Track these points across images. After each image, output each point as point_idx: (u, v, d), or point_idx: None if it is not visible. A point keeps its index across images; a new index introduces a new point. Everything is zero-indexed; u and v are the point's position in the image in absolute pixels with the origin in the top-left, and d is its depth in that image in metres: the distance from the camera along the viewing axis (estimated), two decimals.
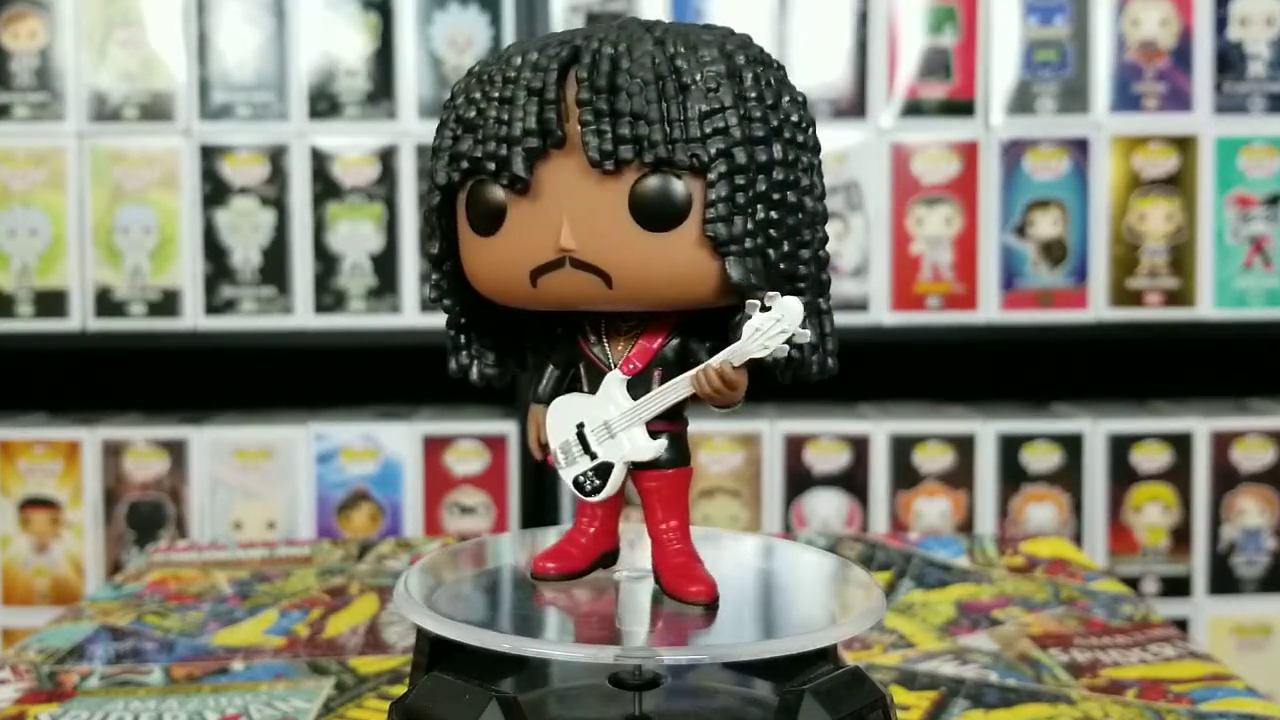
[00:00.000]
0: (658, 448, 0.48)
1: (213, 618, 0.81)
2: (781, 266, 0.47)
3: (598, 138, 0.45)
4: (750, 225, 0.46)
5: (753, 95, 0.46)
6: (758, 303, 0.45)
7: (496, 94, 0.47)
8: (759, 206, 0.46)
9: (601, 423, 0.49)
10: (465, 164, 0.47)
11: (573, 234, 0.46)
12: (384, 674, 0.72)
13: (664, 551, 0.49)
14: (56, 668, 0.72)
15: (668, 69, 0.45)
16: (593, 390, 0.49)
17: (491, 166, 0.47)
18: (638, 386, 0.48)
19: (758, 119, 0.46)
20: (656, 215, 0.45)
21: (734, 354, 0.45)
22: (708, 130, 0.45)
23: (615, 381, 0.49)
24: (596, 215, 0.46)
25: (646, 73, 0.45)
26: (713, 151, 0.45)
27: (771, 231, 0.46)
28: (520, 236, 0.47)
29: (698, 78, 0.45)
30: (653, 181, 0.45)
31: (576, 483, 0.49)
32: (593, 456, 0.49)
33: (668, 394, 0.47)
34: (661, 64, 0.45)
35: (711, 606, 0.48)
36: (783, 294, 0.45)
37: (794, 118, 0.47)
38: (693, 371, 0.47)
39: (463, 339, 0.52)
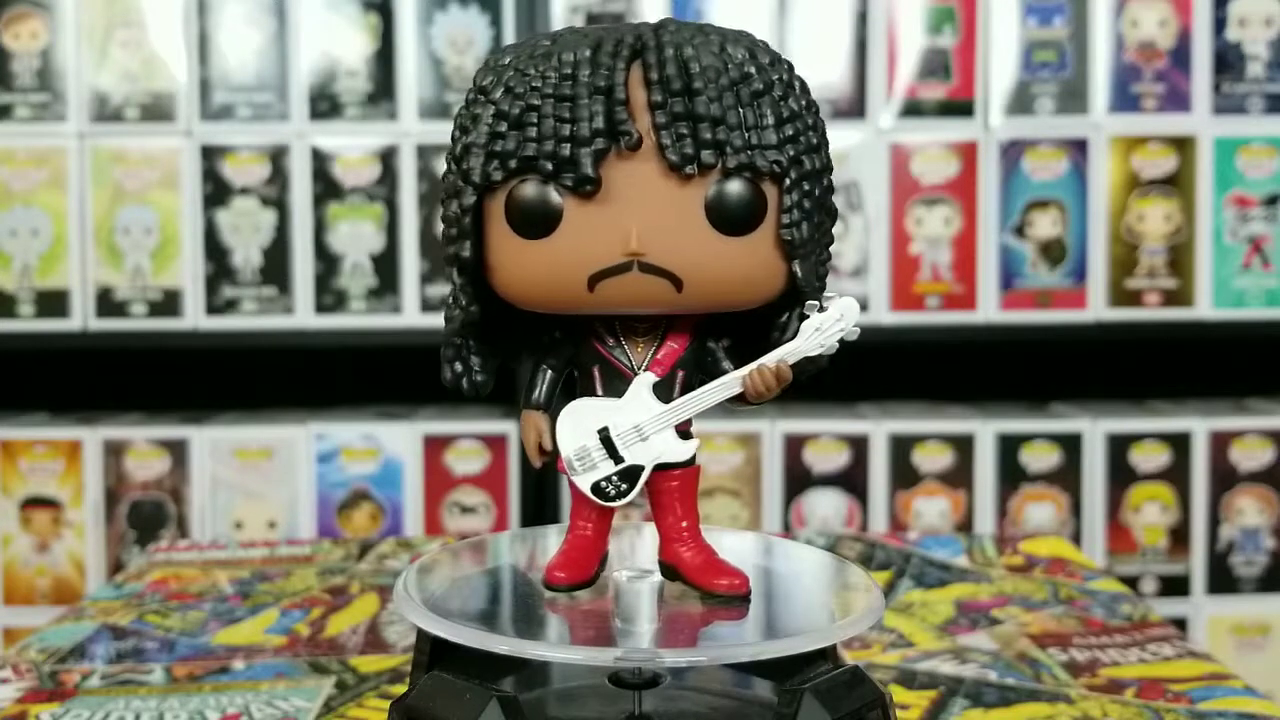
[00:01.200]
0: (692, 447, 0.49)
1: (214, 617, 0.81)
2: (824, 267, 0.49)
3: (679, 141, 0.45)
4: (814, 229, 0.47)
5: (804, 102, 0.47)
6: (817, 303, 0.47)
7: (551, 90, 0.45)
8: (819, 211, 0.47)
9: (631, 426, 0.48)
10: (514, 163, 0.45)
11: (642, 237, 0.45)
12: (384, 673, 0.72)
13: (685, 548, 0.50)
14: (58, 667, 0.72)
15: (739, 74, 0.45)
16: (611, 394, 0.49)
17: (549, 167, 0.45)
18: (662, 388, 0.49)
19: (813, 126, 0.47)
20: (734, 220, 0.46)
21: (790, 352, 0.47)
22: (784, 136, 0.46)
23: (647, 384, 0.48)
24: (668, 218, 0.45)
25: (721, 76, 0.45)
26: (789, 157, 0.46)
27: (820, 235, 0.48)
28: (578, 240, 0.46)
29: (772, 82, 0.46)
30: (734, 186, 0.45)
31: (597, 488, 0.48)
32: (617, 460, 0.48)
33: (714, 394, 0.48)
34: (733, 68, 0.45)
35: (745, 599, 0.49)
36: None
37: (822, 124, 0.49)
38: (743, 370, 0.47)
39: (468, 347, 0.50)
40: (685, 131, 0.45)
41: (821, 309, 0.47)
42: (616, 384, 0.49)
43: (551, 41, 0.47)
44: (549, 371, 0.51)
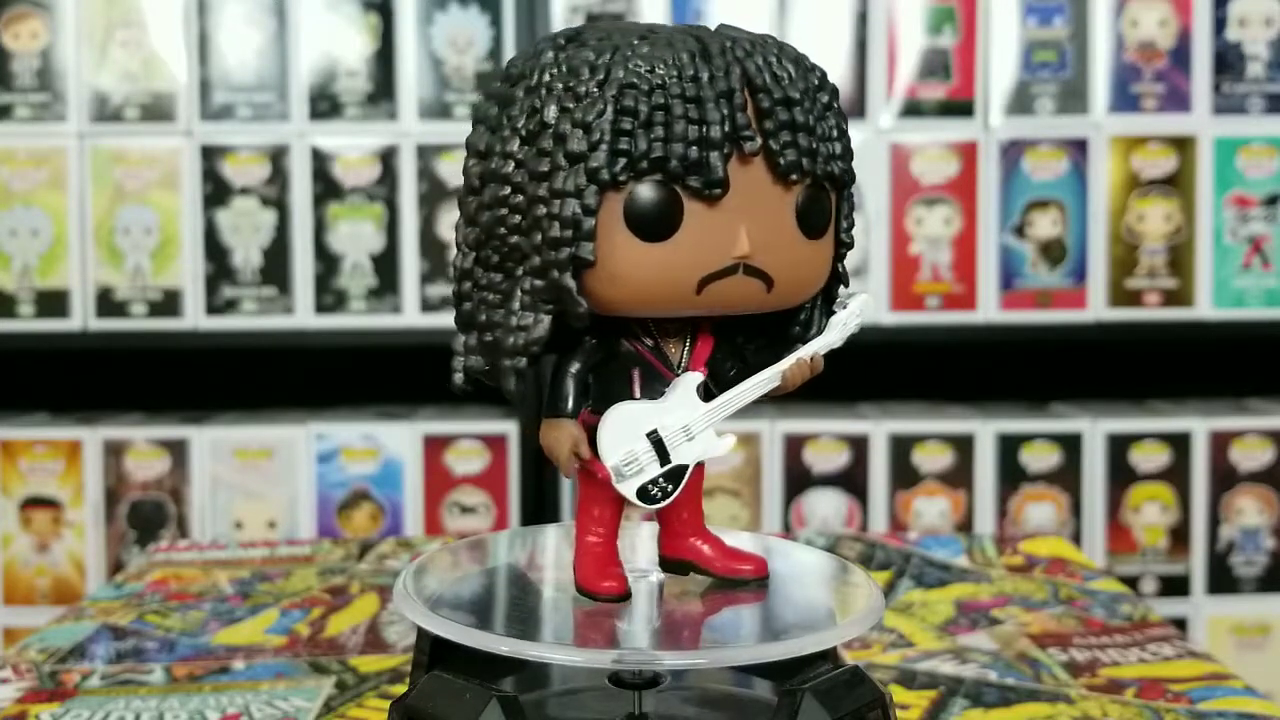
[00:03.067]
0: (731, 441, 0.49)
1: (214, 617, 0.81)
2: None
3: (786, 149, 0.46)
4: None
5: (844, 111, 0.50)
6: (843, 299, 0.50)
7: (679, 91, 0.45)
8: (853, 214, 0.51)
9: (680, 426, 0.48)
10: (645, 164, 0.44)
11: (749, 241, 0.46)
12: (384, 673, 0.72)
13: (701, 540, 0.51)
14: (58, 667, 0.72)
15: (815, 84, 0.48)
16: (649, 395, 0.48)
17: (679, 168, 0.45)
18: (701, 387, 0.49)
19: (849, 134, 0.50)
20: (817, 224, 0.48)
21: (824, 345, 0.50)
22: (845, 146, 0.48)
23: (693, 383, 0.48)
24: (769, 222, 0.46)
25: (806, 86, 0.47)
26: (849, 165, 0.49)
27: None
28: (695, 242, 0.45)
29: (834, 92, 0.48)
30: (819, 193, 0.47)
31: (644, 492, 0.48)
32: (664, 462, 0.48)
33: (756, 389, 0.49)
34: (810, 79, 0.48)
35: (763, 583, 0.51)
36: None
37: None
38: (783, 365, 0.49)
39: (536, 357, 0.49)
40: (789, 139, 0.46)
41: (844, 305, 0.50)
42: (655, 385, 0.48)
43: (639, 38, 0.46)
44: (577, 377, 0.49)
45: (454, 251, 0.49)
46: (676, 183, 0.45)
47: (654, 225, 0.45)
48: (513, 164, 0.46)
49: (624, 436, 0.47)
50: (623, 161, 0.44)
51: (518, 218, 0.46)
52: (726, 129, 0.45)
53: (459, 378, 0.48)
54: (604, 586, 0.48)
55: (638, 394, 0.48)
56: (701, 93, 0.45)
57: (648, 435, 0.48)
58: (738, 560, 0.51)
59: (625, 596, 0.48)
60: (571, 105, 0.45)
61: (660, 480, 0.48)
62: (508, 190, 0.46)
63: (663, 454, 0.48)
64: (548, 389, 0.49)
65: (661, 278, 0.46)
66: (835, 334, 0.50)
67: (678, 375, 0.48)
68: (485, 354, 0.47)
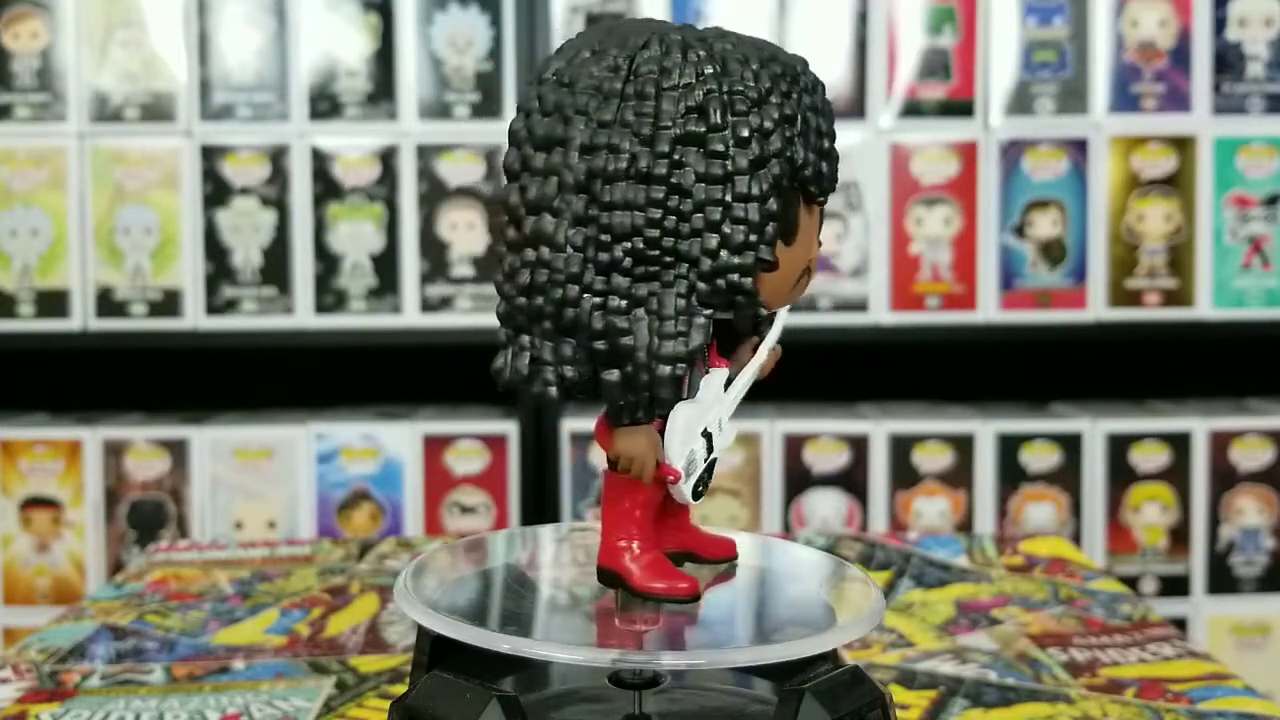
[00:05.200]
0: (734, 431, 0.50)
1: (214, 617, 0.81)
2: None
3: (835, 167, 0.49)
4: None
5: None
6: None
7: (810, 103, 0.47)
8: None
9: (718, 421, 0.49)
10: (808, 171, 0.46)
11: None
12: (385, 673, 0.72)
13: (691, 534, 0.52)
14: (58, 667, 0.72)
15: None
16: (693, 393, 0.48)
17: (812, 175, 0.47)
18: None
19: None
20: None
21: (778, 334, 0.51)
22: None
23: (721, 379, 0.49)
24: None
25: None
26: None
27: None
28: (803, 245, 0.48)
29: None
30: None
31: (695, 490, 0.49)
32: (706, 457, 0.49)
33: (748, 378, 0.50)
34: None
35: (733, 562, 0.53)
36: None
37: None
38: (762, 355, 0.50)
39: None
40: (835, 158, 0.49)
41: None
42: (695, 383, 0.48)
43: (732, 45, 0.47)
44: None
45: (524, 254, 0.46)
46: (806, 188, 0.47)
47: (794, 227, 0.47)
48: (666, 164, 0.45)
49: (687, 437, 0.48)
50: (790, 168, 0.46)
51: (674, 219, 0.45)
52: (833, 139, 0.48)
53: (554, 390, 0.46)
54: (680, 588, 0.48)
55: (685, 394, 0.48)
56: (819, 104, 0.47)
57: (703, 434, 0.48)
58: (719, 545, 0.53)
59: (699, 596, 0.49)
60: (745, 109, 0.45)
61: (704, 475, 0.49)
62: (662, 192, 0.45)
63: (710, 450, 0.49)
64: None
65: (787, 276, 0.47)
66: (781, 323, 0.51)
67: (708, 372, 0.49)
68: (601, 362, 0.46)
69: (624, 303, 0.45)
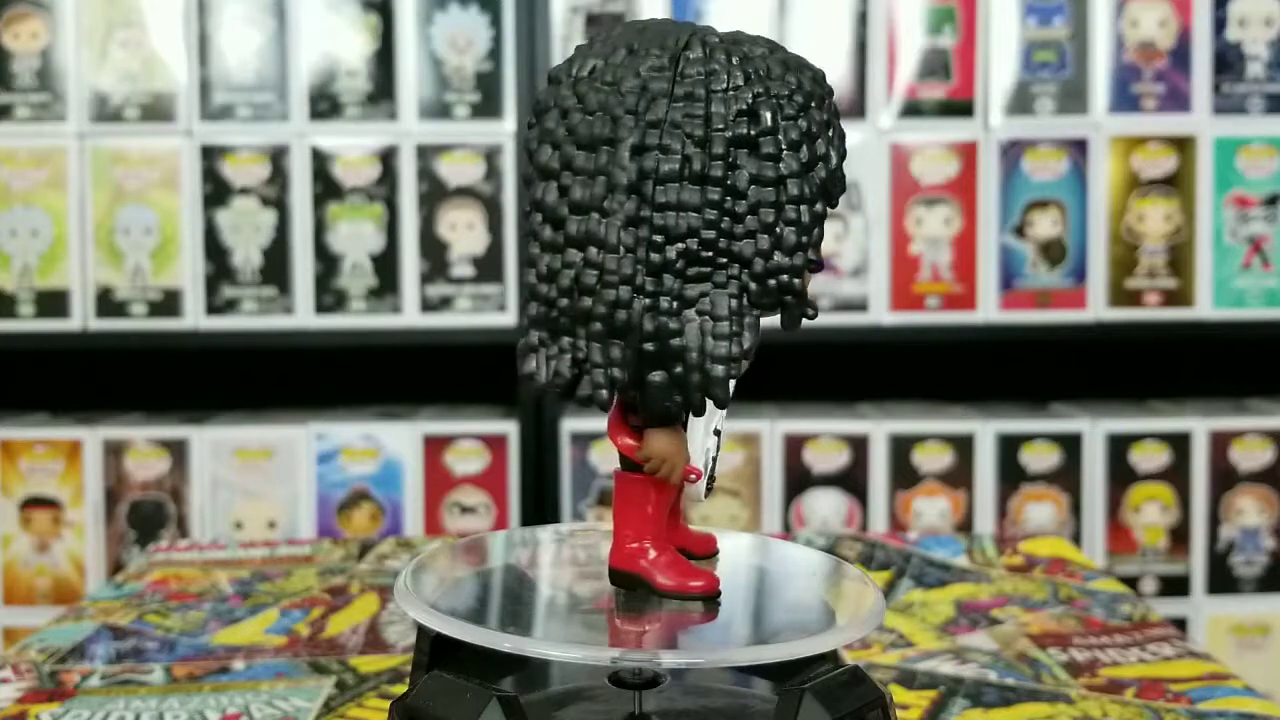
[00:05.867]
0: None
1: (214, 617, 0.81)
2: None
3: None
4: None
5: None
6: None
7: (832, 108, 0.48)
8: None
9: (719, 418, 0.49)
10: (838, 176, 0.47)
11: None
12: (384, 673, 0.72)
13: (686, 533, 0.52)
14: (58, 667, 0.72)
15: None
16: None
17: (841, 181, 0.48)
18: None
19: None
20: None
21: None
22: None
23: None
24: None
25: None
26: None
27: None
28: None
29: None
30: None
31: (709, 488, 0.49)
32: (715, 453, 0.49)
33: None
34: None
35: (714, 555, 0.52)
36: None
37: None
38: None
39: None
40: None
41: None
42: None
43: (767, 50, 0.47)
44: None
45: (567, 255, 0.45)
46: (831, 193, 0.47)
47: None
48: (721, 166, 0.45)
49: (706, 436, 0.48)
50: (827, 172, 0.46)
51: (728, 221, 0.45)
52: None
53: (604, 393, 0.46)
54: (704, 586, 0.49)
55: None
56: (839, 112, 0.48)
57: (715, 432, 0.48)
58: (704, 541, 0.52)
59: (720, 593, 0.49)
60: (793, 114, 0.45)
61: (712, 472, 0.49)
62: (718, 193, 0.45)
63: (718, 446, 0.49)
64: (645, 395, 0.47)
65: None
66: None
67: None
68: (649, 364, 0.46)
69: (674, 304, 0.45)
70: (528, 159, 0.47)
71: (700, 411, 0.46)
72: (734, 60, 0.45)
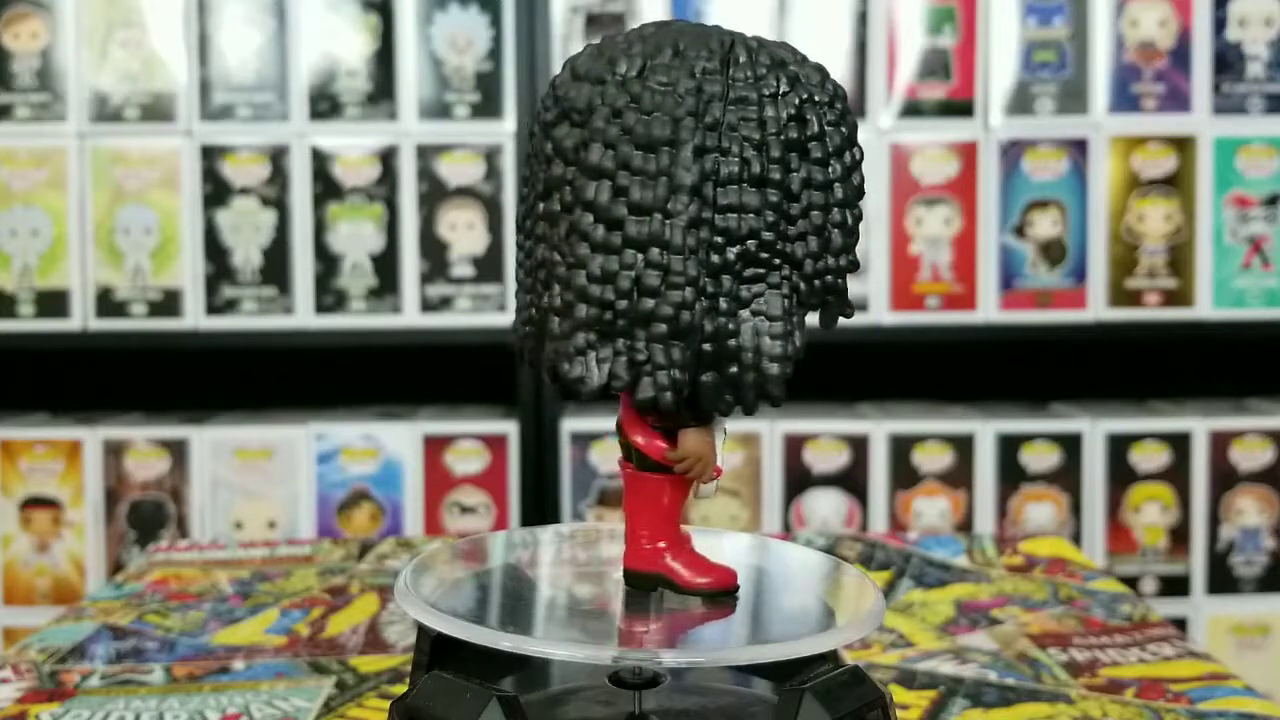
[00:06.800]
0: None
1: (214, 617, 0.81)
2: None
3: None
4: None
5: None
6: None
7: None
8: None
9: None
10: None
11: None
12: (385, 673, 0.72)
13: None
14: (58, 667, 0.72)
15: None
16: None
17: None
18: None
19: None
20: None
21: None
22: None
23: None
24: None
25: None
26: None
27: None
28: None
29: None
30: None
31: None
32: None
33: None
34: None
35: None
36: None
37: None
38: None
39: None
40: None
41: None
42: None
43: (795, 55, 0.48)
44: None
45: (624, 256, 0.45)
46: None
47: None
48: (779, 169, 0.45)
49: (715, 435, 0.48)
50: (860, 176, 0.48)
51: (783, 223, 0.46)
52: None
53: (669, 395, 0.45)
54: (728, 581, 0.49)
55: None
56: None
57: (723, 431, 0.49)
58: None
59: (739, 586, 0.50)
60: (834, 119, 0.47)
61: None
62: (776, 196, 0.45)
63: (722, 445, 0.49)
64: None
65: None
66: None
67: None
68: (704, 365, 0.45)
69: (731, 304, 0.45)
70: (556, 157, 0.46)
71: (752, 411, 0.46)
72: (777, 65, 0.46)
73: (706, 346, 0.45)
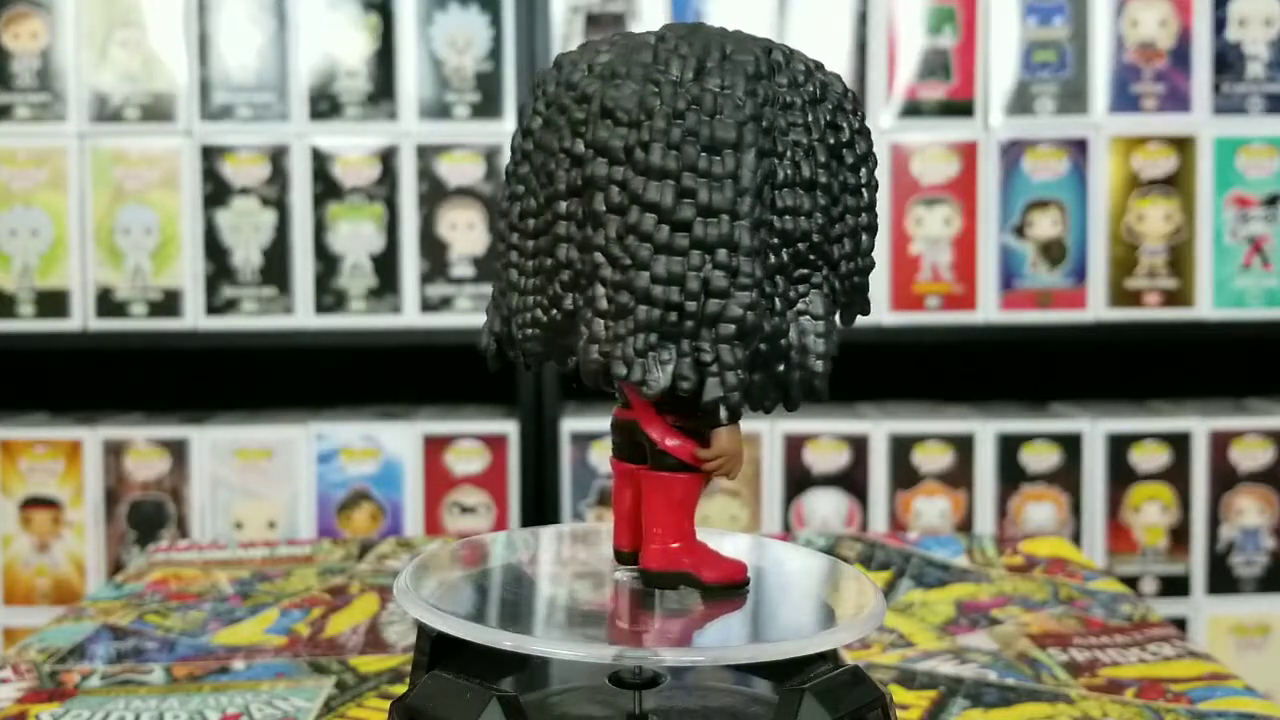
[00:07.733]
0: None
1: (214, 617, 0.81)
2: None
3: None
4: None
5: None
6: None
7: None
8: None
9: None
10: None
11: None
12: (384, 673, 0.72)
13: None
14: (58, 667, 0.72)
15: None
16: None
17: None
18: None
19: None
20: None
21: None
22: None
23: None
24: None
25: None
26: None
27: None
28: None
29: None
30: None
31: None
32: None
33: None
34: None
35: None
36: None
37: None
38: None
39: None
40: None
41: None
42: None
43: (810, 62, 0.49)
44: None
45: (690, 257, 0.44)
46: None
47: None
48: (826, 173, 0.47)
49: None
50: (876, 181, 0.49)
51: (822, 222, 0.47)
52: None
53: (736, 395, 0.45)
54: (745, 575, 0.50)
55: None
56: None
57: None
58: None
59: (749, 580, 0.50)
60: (857, 126, 0.48)
61: None
62: (825, 199, 0.47)
63: None
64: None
65: None
66: None
67: None
68: (756, 366, 0.46)
69: (782, 304, 0.46)
70: (599, 157, 0.45)
71: (795, 407, 0.47)
72: (809, 71, 0.47)
73: (762, 346, 0.46)
